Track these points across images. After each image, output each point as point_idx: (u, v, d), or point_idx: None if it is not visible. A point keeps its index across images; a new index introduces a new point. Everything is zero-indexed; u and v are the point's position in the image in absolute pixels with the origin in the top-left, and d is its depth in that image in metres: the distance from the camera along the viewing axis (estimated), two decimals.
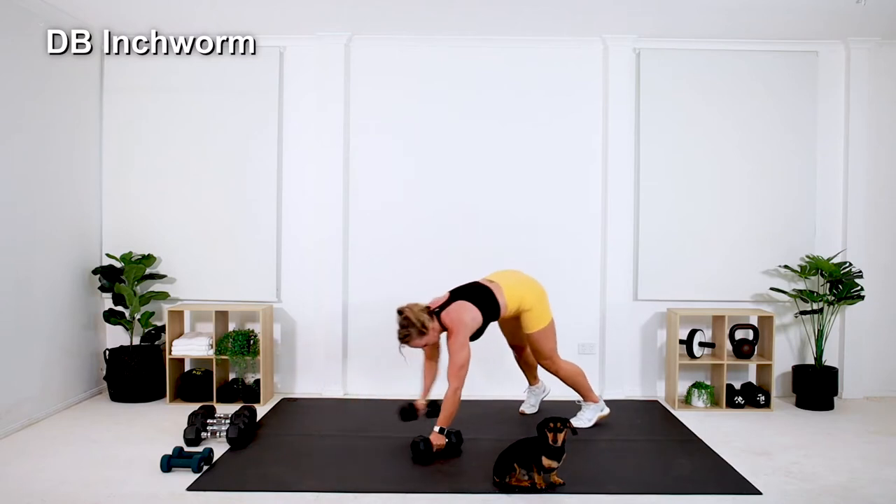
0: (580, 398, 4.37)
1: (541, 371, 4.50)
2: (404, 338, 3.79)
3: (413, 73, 5.07)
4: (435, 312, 3.86)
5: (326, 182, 5.03)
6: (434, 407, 3.94)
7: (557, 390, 4.77)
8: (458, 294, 3.95)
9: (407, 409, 3.94)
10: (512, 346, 4.44)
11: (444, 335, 3.92)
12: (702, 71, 5.04)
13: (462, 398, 4.87)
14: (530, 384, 4.58)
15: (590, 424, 4.26)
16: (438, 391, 3.99)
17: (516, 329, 4.25)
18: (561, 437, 3.16)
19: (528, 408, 4.57)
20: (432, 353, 4.08)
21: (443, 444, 3.69)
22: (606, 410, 4.36)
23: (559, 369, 4.19)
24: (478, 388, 5.02)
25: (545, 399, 4.64)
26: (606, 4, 4.37)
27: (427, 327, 3.78)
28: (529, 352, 4.34)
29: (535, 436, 3.25)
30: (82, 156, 4.89)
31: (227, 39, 4.98)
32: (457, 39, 5.03)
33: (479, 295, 3.93)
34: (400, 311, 3.81)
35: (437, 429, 3.70)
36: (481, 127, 5.06)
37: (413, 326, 3.76)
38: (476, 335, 3.94)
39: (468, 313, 3.83)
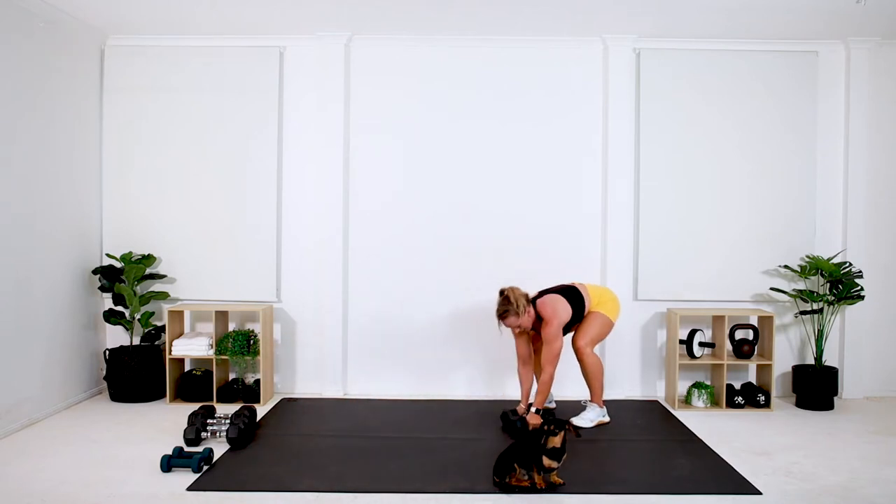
0: (587, 398, 4.39)
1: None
2: (503, 314, 4.17)
3: (413, 73, 5.07)
4: (532, 299, 4.24)
5: (326, 182, 5.03)
6: (524, 420, 4.14)
7: (559, 392, 4.78)
8: (548, 292, 4.32)
9: (510, 421, 4.16)
10: (523, 358, 4.43)
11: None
12: (702, 71, 5.04)
13: (462, 398, 4.89)
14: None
15: (591, 425, 4.26)
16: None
17: (528, 344, 4.42)
18: (556, 439, 3.15)
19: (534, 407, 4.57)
20: (525, 353, 4.37)
21: (537, 424, 3.77)
22: (607, 418, 4.37)
23: (587, 356, 4.31)
24: (478, 388, 5.03)
25: (549, 407, 4.65)
26: (606, 4, 4.37)
27: (523, 310, 4.14)
28: (532, 365, 4.47)
29: (536, 436, 3.25)
30: (82, 156, 4.89)
31: (227, 39, 5.04)
32: (457, 39, 5.03)
33: (569, 292, 4.30)
34: (502, 292, 4.20)
35: (534, 410, 4.11)
36: (481, 127, 5.06)
37: (512, 305, 4.13)
38: (565, 329, 4.26)
39: (562, 305, 4.22)
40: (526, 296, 4.21)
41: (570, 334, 4.42)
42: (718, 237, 5.06)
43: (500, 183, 5.07)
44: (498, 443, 3.85)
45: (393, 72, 5.07)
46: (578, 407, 4.45)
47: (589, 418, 4.28)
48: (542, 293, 4.33)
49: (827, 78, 5.05)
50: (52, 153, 4.53)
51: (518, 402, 4.64)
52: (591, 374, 4.31)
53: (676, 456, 3.78)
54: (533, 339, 4.47)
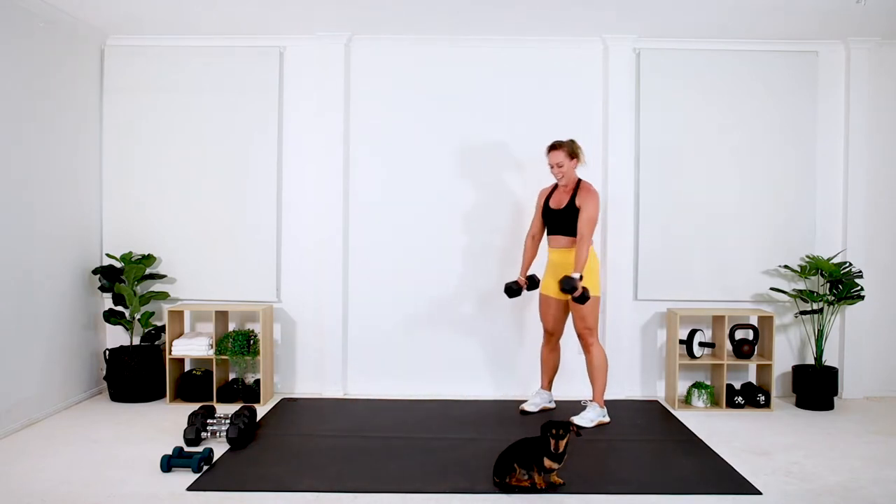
0: (586, 399, 4.39)
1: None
2: (556, 145, 4.29)
3: (413, 72, 5.07)
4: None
5: (326, 182, 5.03)
6: (532, 281, 4.50)
7: (560, 392, 4.78)
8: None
9: (512, 287, 4.44)
10: (550, 332, 4.52)
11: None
12: (702, 71, 5.04)
13: (462, 398, 4.88)
14: (542, 387, 4.60)
15: (591, 425, 4.26)
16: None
17: (561, 312, 4.42)
18: (563, 443, 3.16)
19: (530, 406, 4.57)
20: (538, 232, 4.53)
21: (578, 287, 4.08)
22: (607, 419, 4.37)
23: (593, 346, 4.33)
24: (478, 388, 5.03)
25: (548, 407, 4.65)
26: (606, 4, 4.37)
27: (576, 155, 4.29)
28: (558, 348, 4.56)
29: (536, 436, 3.25)
30: (82, 156, 4.89)
31: (227, 39, 5.04)
32: (457, 39, 5.03)
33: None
34: (560, 140, 4.32)
35: (576, 275, 4.12)
36: (480, 126, 5.06)
37: (568, 146, 4.28)
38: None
39: (597, 198, 4.31)
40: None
41: (568, 323, 4.45)
42: (718, 237, 5.05)
43: (500, 183, 5.06)
44: (498, 443, 3.84)
45: (393, 72, 5.07)
46: (578, 407, 4.45)
47: (589, 418, 4.28)
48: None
49: (827, 78, 5.05)
50: (51, 153, 4.53)
51: (520, 401, 4.65)
52: (597, 369, 4.33)
53: (676, 456, 3.78)
54: (557, 318, 4.46)
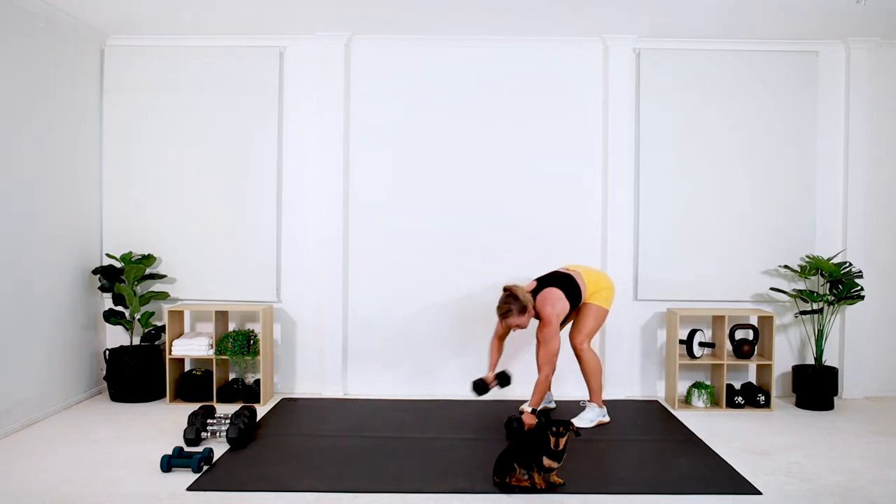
0: (586, 399, 4.39)
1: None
2: (505, 313, 4.08)
3: (413, 73, 5.07)
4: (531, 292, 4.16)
5: (326, 182, 5.03)
6: (502, 377, 4.30)
7: (560, 392, 4.78)
8: (545, 282, 4.21)
9: (479, 384, 4.26)
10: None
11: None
12: (702, 71, 5.04)
13: (462, 398, 4.88)
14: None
15: (591, 425, 4.26)
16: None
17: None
18: (563, 441, 3.16)
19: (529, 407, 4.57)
20: (504, 333, 4.34)
21: (533, 423, 3.96)
22: (607, 418, 4.38)
23: (585, 352, 4.30)
24: None
25: (548, 407, 4.65)
26: (606, 4, 4.37)
27: (527, 309, 4.07)
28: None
29: (536, 436, 3.25)
30: (82, 156, 4.89)
31: (227, 39, 5.04)
32: (457, 39, 5.03)
33: (566, 283, 4.18)
34: (506, 289, 4.10)
35: (529, 409, 4.06)
36: (480, 126, 5.06)
37: (517, 304, 4.04)
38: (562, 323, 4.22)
39: (560, 303, 4.12)
40: (531, 295, 4.14)
41: (567, 328, 4.43)
42: (718, 237, 5.05)
43: (501, 183, 5.07)
44: (498, 443, 3.85)
45: (393, 72, 5.07)
46: (578, 407, 4.45)
47: (589, 418, 4.28)
48: (539, 284, 4.24)
49: (827, 78, 5.05)
50: (52, 153, 4.53)
51: (521, 401, 4.65)
52: (590, 372, 4.31)
53: (676, 456, 3.78)
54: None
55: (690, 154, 5.06)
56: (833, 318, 4.92)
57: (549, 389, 4.64)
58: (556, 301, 4.12)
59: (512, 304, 4.05)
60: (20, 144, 4.23)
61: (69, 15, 4.60)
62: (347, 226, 5.07)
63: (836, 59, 5.06)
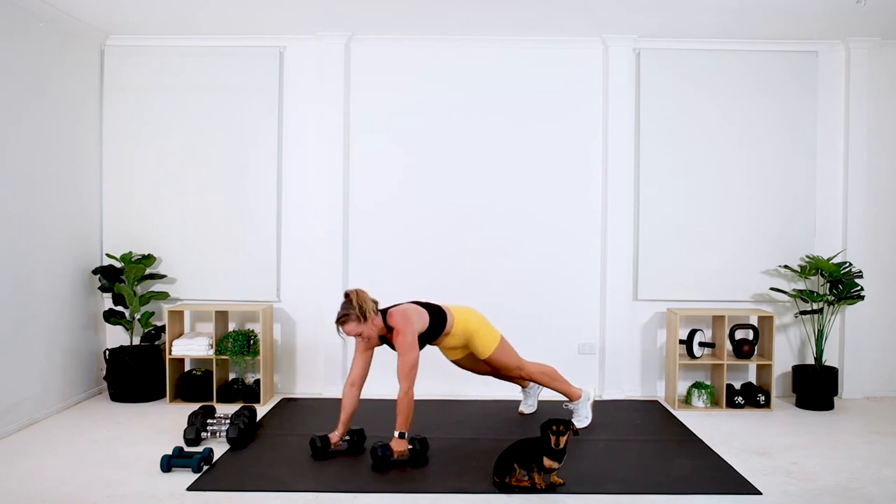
0: (566, 401, 4.34)
1: None
2: (341, 318, 3.71)
3: (413, 72, 5.07)
4: (382, 310, 3.83)
5: (326, 182, 5.03)
6: (359, 437, 3.85)
7: (546, 392, 4.77)
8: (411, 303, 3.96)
9: (317, 445, 3.67)
10: (485, 374, 4.40)
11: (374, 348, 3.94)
12: (702, 71, 5.04)
13: (462, 398, 4.88)
14: (523, 388, 4.59)
15: (589, 421, 4.25)
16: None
17: (476, 362, 4.25)
18: (564, 439, 3.16)
19: (527, 408, 4.57)
20: (359, 374, 3.89)
21: (404, 451, 3.58)
22: (593, 395, 4.34)
23: (532, 374, 4.19)
24: (477, 388, 5.02)
25: (542, 399, 4.64)
26: (606, 4, 4.37)
27: (367, 316, 3.69)
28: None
29: (536, 436, 3.26)
30: (82, 156, 4.89)
31: (227, 39, 5.04)
32: (457, 39, 5.03)
33: (429, 305, 3.96)
34: (346, 294, 3.74)
35: (396, 434, 3.61)
36: (481, 126, 5.06)
37: (353, 310, 3.68)
38: (420, 344, 3.82)
39: (415, 313, 3.82)
40: (374, 301, 3.78)
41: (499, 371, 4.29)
42: (718, 237, 5.06)
43: (500, 183, 5.07)
44: (498, 443, 3.84)
45: (393, 71, 5.07)
46: (563, 410, 4.37)
47: (584, 416, 4.26)
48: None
49: (827, 78, 5.05)
50: (52, 153, 4.53)
51: (515, 402, 4.64)
52: (549, 381, 4.22)
53: (676, 456, 3.78)
54: (477, 367, 4.29)
55: (690, 154, 5.06)
56: (833, 318, 4.92)
57: (529, 383, 4.55)
58: (409, 309, 3.82)
59: (349, 311, 3.69)
60: (20, 144, 4.23)
61: (69, 15, 4.60)
62: (347, 225, 5.07)
63: (836, 59, 5.06)
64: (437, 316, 3.93)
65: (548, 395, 4.63)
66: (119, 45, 5.06)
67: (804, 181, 5.05)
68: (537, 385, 4.58)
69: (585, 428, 4.19)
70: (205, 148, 5.08)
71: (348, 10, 4.54)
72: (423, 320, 3.83)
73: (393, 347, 3.85)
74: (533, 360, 4.37)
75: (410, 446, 3.62)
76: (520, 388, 4.61)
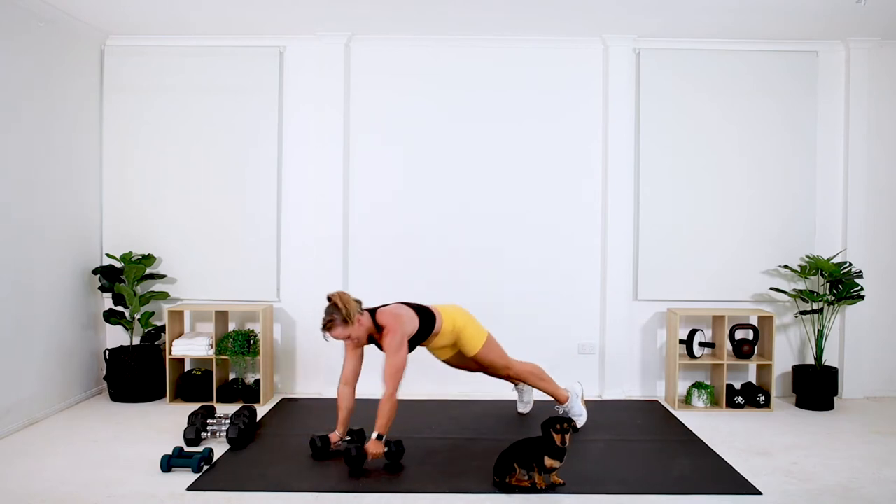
0: (557, 405, 4.31)
1: None
2: (327, 324, 3.65)
3: (413, 73, 5.07)
4: (369, 309, 3.80)
5: (326, 182, 5.03)
6: (357, 437, 3.84)
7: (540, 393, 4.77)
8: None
9: (316, 444, 3.69)
10: (475, 371, 4.38)
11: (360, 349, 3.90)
12: (702, 71, 5.04)
13: (462, 398, 4.87)
14: (515, 385, 4.57)
15: (584, 417, 4.25)
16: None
17: (466, 360, 4.23)
18: (568, 437, 3.16)
19: (523, 407, 4.56)
20: (352, 372, 3.86)
21: (380, 453, 3.52)
22: (579, 389, 4.33)
23: (520, 373, 4.18)
24: (478, 387, 5.02)
25: (540, 399, 4.63)
26: (606, 4, 4.37)
27: (353, 318, 3.63)
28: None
29: (536, 436, 3.26)
30: (82, 156, 4.89)
31: (228, 39, 5.04)
32: (457, 39, 5.03)
33: (417, 307, 3.93)
34: (329, 298, 3.67)
35: (374, 435, 3.54)
36: (481, 127, 5.06)
37: (339, 313, 3.62)
38: (410, 346, 3.79)
39: (406, 314, 3.78)
40: (358, 302, 3.72)
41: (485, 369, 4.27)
42: (718, 237, 5.05)
43: (500, 183, 5.07)
44: (498, 443, 3.84)
45: (393, 72, 5.07)
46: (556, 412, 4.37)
47: (577, 413, 4.25)
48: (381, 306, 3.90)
49: (827, 78, 5.05)
50: (52, 153, 4.53)
51: (515, 402, 4.63)
52: (535, 379, 4.21)
53: (676, 456, 3.78)
54: (466, 365, 4.27)
55: (690, 154, 5.05)
56: (833, 318, 4.92)
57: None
58: (399, 310, 3.78)
59: (334, 314, 3.62)
60: (20, 144, 4.23)
61: (69, 15, 4.60)
62: (347, 225, 5.07)
63: (836, 59, 5.06)
64: (426, 318, 3.90)
65: (545, 394, 4.63)
66: (119, 45, 5.06)
67: (804, 181, 5.05)
68: (531, 396, 4.59)
69: (584, 426, 4.19)
70: (205, 148, 5.08)
71: (348, 10, 4.54)
72: (413, 324, 3.80)
73: (381, 347, 3.81)
74: (533, 360, 4.37)
75: (386, 449, 3.57)
76: (511, 385, 4.60)
